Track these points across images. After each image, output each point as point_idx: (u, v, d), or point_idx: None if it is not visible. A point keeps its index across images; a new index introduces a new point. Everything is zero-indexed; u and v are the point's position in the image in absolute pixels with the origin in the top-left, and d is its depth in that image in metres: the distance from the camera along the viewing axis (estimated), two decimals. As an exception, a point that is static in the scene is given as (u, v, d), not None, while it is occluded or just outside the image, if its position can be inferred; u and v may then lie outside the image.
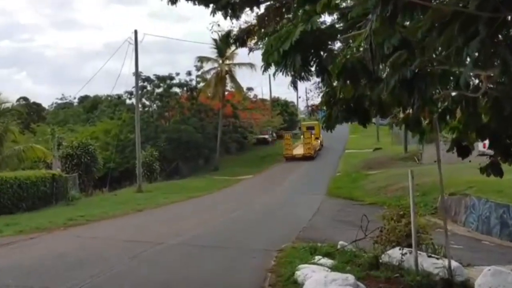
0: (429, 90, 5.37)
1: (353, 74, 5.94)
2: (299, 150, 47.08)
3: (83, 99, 71.21)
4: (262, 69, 5.26)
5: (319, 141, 50.72)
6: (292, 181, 33.60)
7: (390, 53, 5.14)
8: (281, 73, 4.98)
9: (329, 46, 5.35)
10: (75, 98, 71.37)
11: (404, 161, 36.21)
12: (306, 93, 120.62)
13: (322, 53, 5.25)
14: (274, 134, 65.32)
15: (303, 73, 5.12)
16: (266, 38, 5.67)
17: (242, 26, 8.08)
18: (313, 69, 5.05)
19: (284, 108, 73.19)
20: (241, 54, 50.08)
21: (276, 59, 4.96)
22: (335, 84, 8.80)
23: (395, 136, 55.69)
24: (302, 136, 49.30)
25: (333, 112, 8.52)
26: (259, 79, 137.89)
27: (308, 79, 5.49)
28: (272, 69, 5.22)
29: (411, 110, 10.10)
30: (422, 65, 5.29)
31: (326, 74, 5.44)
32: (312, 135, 47.68)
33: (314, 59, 5.14)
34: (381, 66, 6.52)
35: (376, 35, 5.01)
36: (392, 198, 21.51)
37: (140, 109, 43.35)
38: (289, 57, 4.95)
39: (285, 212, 20.24)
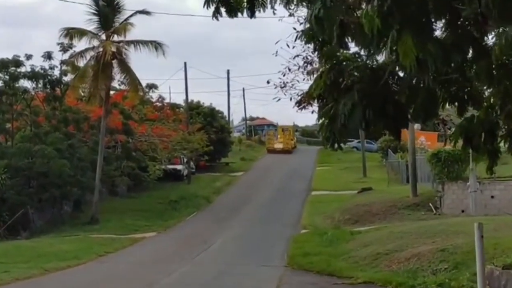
0: None
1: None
2: (279, 145, 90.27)
3: None
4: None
5: (293, 142, 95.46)
6: (225, 243, 33.53)
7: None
8: None
9: None
10: None
11: (413, 210, 36.63)
12: (244, 95, 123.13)
13: None
14: (192, 163, 64.65)
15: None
16: None
17: None
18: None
19: (209, 120, 73.01)
20: (141, 26, 49.07)
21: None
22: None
23: (391, 169, 56.33)
24: (279, 136, 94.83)
25: (341, 108, 7.40)
26: (168, 70, 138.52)
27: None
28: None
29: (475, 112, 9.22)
30: None
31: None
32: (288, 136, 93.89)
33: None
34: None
35: None
36: (401, 273, 21.19)
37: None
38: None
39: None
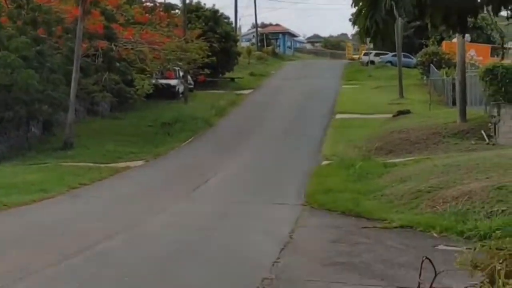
0: None
1: None
2: (356, 56, 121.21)
3: None
4: None
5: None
6: (228, 176, 33.77)
7: None
8: None
9: None
10: None
11: (461, 139, 36.79)
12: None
13: None
14: (190, 78, 64.55)
15: None
16: None
17: None
18: None
19: (211, 25, 73.21)
20: None
21: None
22: None
23: (434, 89, 56.01)
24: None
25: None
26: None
27: None
28: None
29: None
30: None
31: None
32: None
33: None
34: None
35: None
36: (447, 215, 21.06)
37: None
38: None
39: (225, 244, 19.41)
